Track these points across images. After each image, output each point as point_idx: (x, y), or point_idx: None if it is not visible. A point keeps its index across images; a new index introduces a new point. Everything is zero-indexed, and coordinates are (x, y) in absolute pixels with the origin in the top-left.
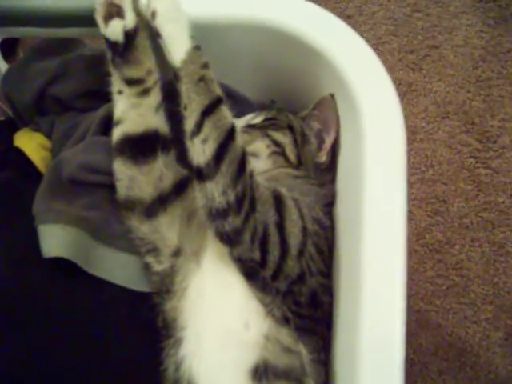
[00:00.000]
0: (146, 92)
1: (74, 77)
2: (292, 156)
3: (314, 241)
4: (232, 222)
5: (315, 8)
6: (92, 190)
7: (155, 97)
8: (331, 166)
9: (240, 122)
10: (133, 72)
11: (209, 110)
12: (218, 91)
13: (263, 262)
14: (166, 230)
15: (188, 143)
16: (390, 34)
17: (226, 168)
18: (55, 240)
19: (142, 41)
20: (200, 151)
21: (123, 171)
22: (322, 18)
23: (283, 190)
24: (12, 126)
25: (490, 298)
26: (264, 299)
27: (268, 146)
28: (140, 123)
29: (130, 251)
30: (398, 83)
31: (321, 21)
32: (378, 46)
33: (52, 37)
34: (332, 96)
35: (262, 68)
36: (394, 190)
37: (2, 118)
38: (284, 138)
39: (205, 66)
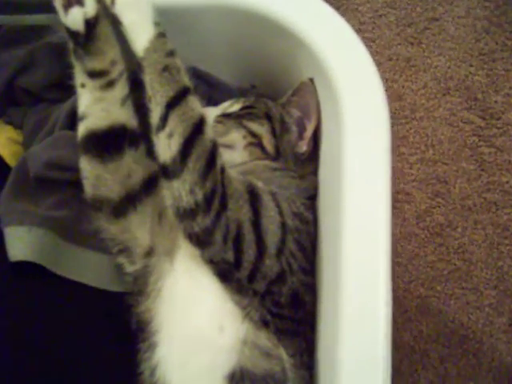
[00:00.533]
0: (110, 84)
1: (42, 67)
2: (270, 147)
3: (295, 237)
4: (201, 223)
5: None
6: (60, 187)
7: (121, 89)
8: (312, 157)
9: (216, 111)
10: (95, 63)
11: (174, 102)
12: (185, 81)
13: (237, 263)
14: (137, 229)
15: (154, 138)
16: (387, 7)
17: (193, 164)
18: (21, 243)
19: (105, 29)
20: (165, 147)
21: (89, 170)
22: None
23: (260, 184)
24: None
25: (493, 283)
26: (240, 301)
27: (244, 137)
28: (104, 118)
29: (102, 250)
30: (395, 58)
31: (299, 1)
32: (374, 20)
33: (18, 24)
34: (311, 80)
35: (240, 52)
36: (376, 179)
37: None
38: (261, 129)
39: (170, 54)
